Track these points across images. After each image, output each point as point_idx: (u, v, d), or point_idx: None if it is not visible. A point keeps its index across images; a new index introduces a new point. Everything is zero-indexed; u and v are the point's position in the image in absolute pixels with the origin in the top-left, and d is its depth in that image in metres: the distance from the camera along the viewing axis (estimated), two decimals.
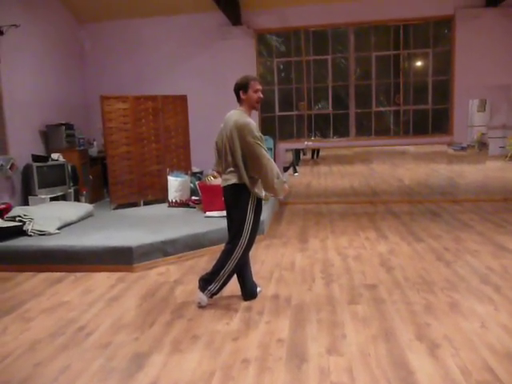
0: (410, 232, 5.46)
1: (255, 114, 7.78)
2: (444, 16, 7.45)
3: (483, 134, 9.56)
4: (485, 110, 9.37)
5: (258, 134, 3.23)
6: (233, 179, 3.30)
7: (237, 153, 3.24)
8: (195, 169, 7.40)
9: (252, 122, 3.27)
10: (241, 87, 3.34)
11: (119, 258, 4.41)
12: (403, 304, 3.36)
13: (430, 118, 7.82)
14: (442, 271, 4.05)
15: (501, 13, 7.18)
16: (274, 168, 3.24)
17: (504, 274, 3.92)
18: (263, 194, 3.40)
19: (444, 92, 7.72)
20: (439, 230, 5.49)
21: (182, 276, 4.21)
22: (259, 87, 3.34)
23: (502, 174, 9.68)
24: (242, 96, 3.34)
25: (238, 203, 3.34)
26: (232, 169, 3.30)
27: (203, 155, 7.45)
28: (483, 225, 5.68)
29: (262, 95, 3.38)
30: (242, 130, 3.20)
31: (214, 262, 3.47)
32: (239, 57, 7.79)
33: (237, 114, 3.32)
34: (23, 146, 6.36)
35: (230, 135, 3.26)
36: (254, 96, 3.33)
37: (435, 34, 7.67)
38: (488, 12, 7.21)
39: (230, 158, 3.29)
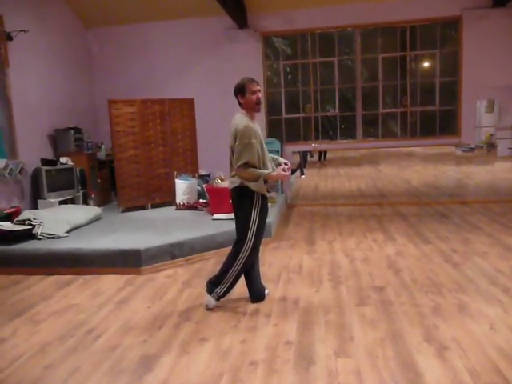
0: (418, 234, 5.44)
1: (262, 117, 7.79)
2: (451, 17, 7.43)
3: (491, 134, 9.51)
4: (493, 110, 9.32)
5: (252, 140, 3.19)
6: (237, 182, 3.32)
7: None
8: (202, 172, 7.42)
9: (250, 125, 3.23)
10: (238, 92, 3.34)
11: (127, 261, 4.44)
12: (411, 306, 3.35)
13: (438, 120, 7.79)
14: (450, 273, 4.03)
15: (508, 13, 7.14)
16: (251, 172, 3.23)
17: None
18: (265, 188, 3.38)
19: (451, 93, 7.69)
20: (447, 232, 5.46)
21: (189, 278, 4.22)
22: (256, 88, 3.31)
23: (510, 175, 9.61)
24: (241, 100, 3.34)
25: (243, 205, 3.35)
26: None
27: (210, 158, 7.49)
28: (492, 226, 5.65)
29: (260, 95, 3.34)
30: (237, 134, 3.22)
31: (221, 265, 3.49)
32: (246, 60, 7.81)
33: (238, 118, 3.33)
34: (32, 150, 6.42)
35: (232, 139, 3.29)
36: (252, 98, 3.30)
37: (442, 35, 7.64)
38: (495, 12, 7.18)
39: (234, 162, 3.32)
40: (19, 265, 4.61)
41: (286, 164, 3.45)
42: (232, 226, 3.66)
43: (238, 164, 3.21)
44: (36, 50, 6.71)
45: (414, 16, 7.46)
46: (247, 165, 3.21)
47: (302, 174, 11.13)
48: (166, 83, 8.01)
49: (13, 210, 5.63)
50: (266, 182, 3.32)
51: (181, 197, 6.51)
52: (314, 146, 8.07)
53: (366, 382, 2.40)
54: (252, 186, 3.26)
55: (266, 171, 3.30)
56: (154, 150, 6.80)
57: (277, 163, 3.50)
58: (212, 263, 4.62)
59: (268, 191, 3.49)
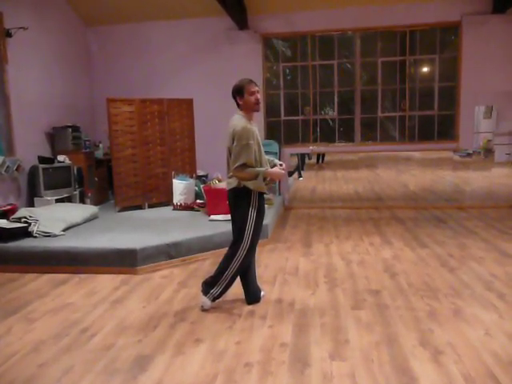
0: (415, 238, 5.45)
1: (260, 118, 7.79)
2: (451, 22, 7.45)
3: (489, 140, 9.53)
4: (491, 116, 9.34)
5: (250, 141, 3.20)
6: (234, 183, 3.32)
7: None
8: (200, 172, 7.42)
9: (248, 127, 3.23)
10: (237, 93, 3.34)
11: (123, 260, 4.43)
12: (407, 310, 3.35)
13: (436, 124, 7.81)
14: (446, 277, 4.03)
15: (508, 19, 7.17)
16: (249, 172, 3.24)
17: (508, 281, 3.90)
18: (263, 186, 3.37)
19: (450, 98, 7.71)
20: (444, 237, 5.47)
21: (185, 279, 4.21)
22: (255, 89, 3.31)
23: (507, 181, 9.64)
24: (239, 101, 3.34)
25: (239, 207, 3.35)
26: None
27: (208, 159, 7.49)
28: (488, 231, 5.66)
29: (259, 96, 3.34)
30: (235, 135, 3.22)
31: (217, 266, 3.48)
32: (246, 61, 7.82)
33: (236, 119, 3.33)
34: (30, 148, 6.40)
35: (230, 140, 3.29)
36: (251, 99, 3.30)
37: (442, 40, 7.66)
38: (495, 18, 7.20)
39: (232, 163, 3.32)
40: (15, 262, 4.59)
41: (281, 165, 3.46)
42: (229, 227, 3.65)
43: (236, 165, 3.21)
44: (35, 47, 6.69)
45: (413, 21, 7.48)
46: (245, 166, 3.21)
47: (300, 176, 11.15)
48: (165, 83, 8.00)
49: (9, 207, 5.61)
50: (265, 179, 3.31)
51: (178, 197, 6.51)
52: (312, 148, 8.07)
53: None
54: (250, 184, 3.26)
55: (263, 168, 3.30)
56: (152, 149, 6.79)
57: (272, 165, 3.50)
58: (208, 264, 4.61)
59: (266, 193, 3.49)
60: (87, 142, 7.24)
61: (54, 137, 6.94)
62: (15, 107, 6.18)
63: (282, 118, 8.14)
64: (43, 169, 6.24)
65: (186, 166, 7.13)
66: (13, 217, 5.17)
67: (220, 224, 5.32)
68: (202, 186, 6.53)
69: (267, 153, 3.62)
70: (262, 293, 3.67)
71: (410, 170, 12.42)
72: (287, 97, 8.14)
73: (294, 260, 4.72)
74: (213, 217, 5.67)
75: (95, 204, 6.85)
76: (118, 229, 5.34)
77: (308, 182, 10.73)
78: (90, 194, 6.96)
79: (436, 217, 6.66)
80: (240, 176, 3.25)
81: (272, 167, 3.45)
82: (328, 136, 8.17)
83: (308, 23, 7.68)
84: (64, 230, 5.18)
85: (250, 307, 3.50)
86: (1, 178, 5.82)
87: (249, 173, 3.23)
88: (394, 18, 7.50)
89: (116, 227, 5.43)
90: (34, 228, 4.97)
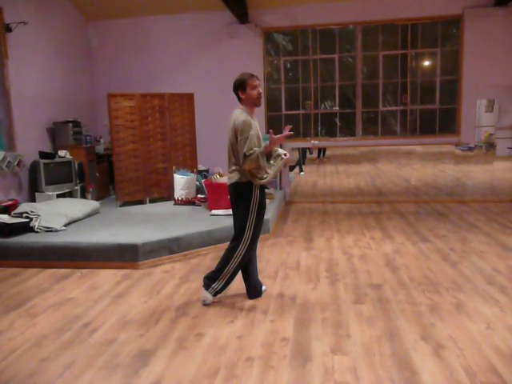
0: (416, 232, 5.44)
1: (261, 113, 7.78)
2: (452, 15, 7.40)
3: (491, 134, 9.51)
4: (493, 110, 9.31)
5: (252, 133, 3.18)
6: (235, 178, 3.31)
7: (237, 152, 3.26)
8: (201, 167, 7.41)
9: (248, 119, 3.22)
10: (238, 87, 3.32)
11: (125, 255, 4.43)
12: (408, 304, 3.36)
13: (438, 118, 7.78)
14: (447, 272, 4.03)
15: (510, 12, 7.12)
16: (252, 158, 3.18)
17: (510, 274, 3.90)
18: (267, 177, 3.35)
19: (452, 92, 7.67)
20: (445, 231, 5.47)
21: (187, 274, 4.22)
22: (256, 83, 3.30)
23: (509, 175, 9.62)
24: (241, 95, 3.33)
25: (240, 201, 3.35)
26: (234, 167, 3.32)
27: (209, 153, 7.48)
28: (490, 225, 5.65)
29: (261, 90, 3.34)
30: (237, 129, 3.21)
31: (219, 260, 3.48)
32: (246, 55, 7.78)
33: (237, 113, 3.32)
34: (30, 143, 6.40)
35: (230, 135, 3.29)
36: (253, 93, 3.29)
37: (443, 33, 7.61)
38: (497, 11, 7.15)
39: (232, 158, 3.31)
40: (16, 258, 4.60)
41: (285, 155, 3.44)
42: (230, 221, 3.65)
43: (242, 157, 3.19)
44: (35, 42, 6.67)
45: (415, 14, 7.43)
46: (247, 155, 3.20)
47: (301, 170, 11.13)
48: (166, 77, 7.98)
49: (10, 202, 5.61)
50: (268, 160, 3.28)
51: (179, 192, 6.50)
52: (313, 142, 8.05)
53: (362, 379, 2.40)
54: (256, 180, 3.25)
55: (261, 148, 3.24)
56: (152, 144, 6.78)
57: (277, 154, 3.48)
58: (209, 258, 4.62)
59: (267, 188, 3.47)
60: (88, 137, 7.22)
61: (55, 132, 6.92)
62: (16, 102, 6.17)
63: (283, 112, 8.12)
64: (44, 164, 6.23)
65: (187, 161, 7.12)
66: (14, 212, 5.18)
67: (221, 219, 5.32)
68: (202, 180, 6.53)
69: None
70: (264, 287, 3.68)
71: (412, 164, 12.39)
72: (288, 91, 8.11)
73: (295, 254, 4.72)
74: (214, 211, 5.67)
75: (96, 199, 6.85)
76: (120, 224, 5.34)
77: (309, 177, 10.72)
78: (91, 189, 6.96)
79: (437, 211, 6.65)
80: (248, 167, 3.21)
81: (276, 157, 3.43)
82: (329, 130, 8.15)
83: (309, 17, 7.64)
84: (65, 225, 5.18)
85: (252, 302, 3.51)
86: (2, 173, 5.82)
87: (252, 159, 3.16)
88: (395, 12, 7.45)
89: (117, 222, 5.44)
90: (35, 223, 4.97)
